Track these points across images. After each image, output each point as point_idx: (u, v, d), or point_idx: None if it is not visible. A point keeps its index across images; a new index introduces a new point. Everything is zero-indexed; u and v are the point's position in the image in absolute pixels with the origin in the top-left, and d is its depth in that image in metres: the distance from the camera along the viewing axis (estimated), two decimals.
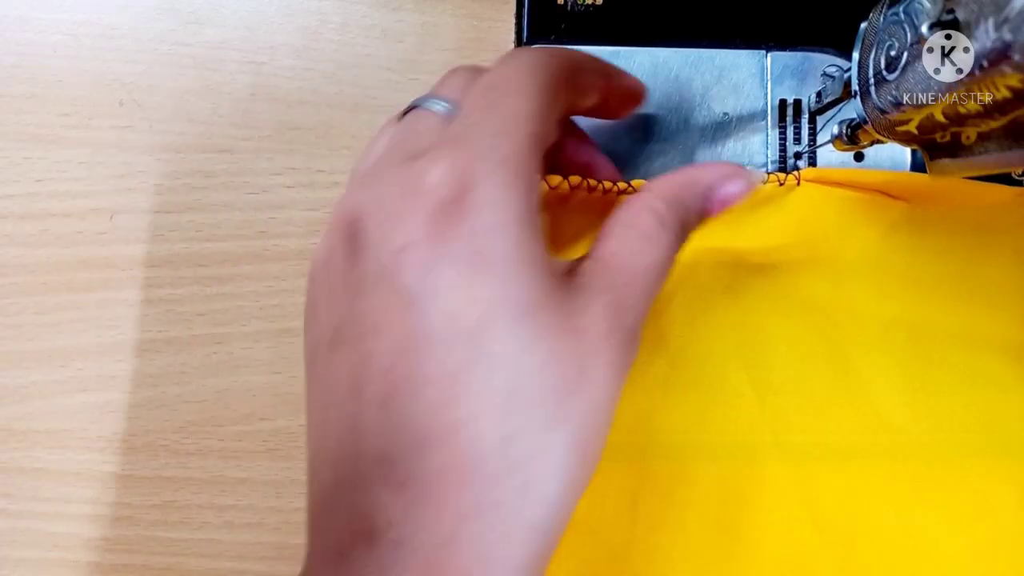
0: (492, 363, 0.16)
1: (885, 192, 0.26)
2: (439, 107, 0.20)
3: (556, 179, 0.24)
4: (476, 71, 0.22)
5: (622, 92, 0.24)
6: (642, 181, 0.24)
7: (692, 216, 0.21)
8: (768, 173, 0.26)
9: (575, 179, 0.24)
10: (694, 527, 0.25)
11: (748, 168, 0.22)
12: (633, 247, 0.19)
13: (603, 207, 0.25)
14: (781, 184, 0.26)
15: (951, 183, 0.25)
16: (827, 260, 0.26)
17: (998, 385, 0.26)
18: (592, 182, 0.24)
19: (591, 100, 0.23)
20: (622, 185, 0.24)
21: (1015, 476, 0.25)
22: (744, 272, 0.26)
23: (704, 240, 0.26)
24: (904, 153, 0.27)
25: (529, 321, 0.17)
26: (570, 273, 0.19)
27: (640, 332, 0.19)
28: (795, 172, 0.26)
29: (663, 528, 0.25)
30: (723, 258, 0.26)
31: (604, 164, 0.25)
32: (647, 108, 0.27)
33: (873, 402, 0.26)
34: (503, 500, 0.16)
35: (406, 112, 0.21)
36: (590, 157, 0.25)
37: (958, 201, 0.26)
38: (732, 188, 0.21)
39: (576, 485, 0.17)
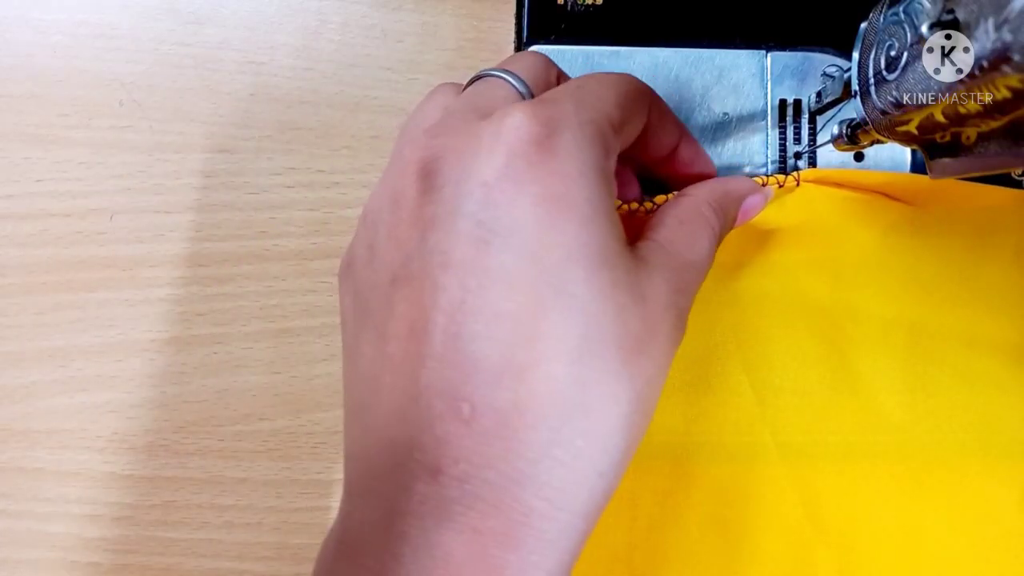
0: (571, 305, 0.16)
1: (884, 193, 0.26)
2: (515, 81, 0.20)
3: None
4: (549, 63, 0.22)
5: (689, 155, 0.25)
6: (664, 196, 0.24)
7: (728, 222, 0.22)
8: (767, 175, 0.26)
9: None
10: (694, 527, 0.25)
11: (764, 185, 0.24)
12: (687, 239, 0.20)
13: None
14: (780, 186, 0.26)
15: (950, 185, 0.26)
16: (827, 261, 0.26)
17: (997, 386, 0.26)
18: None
19: (662, 141, 0.23)
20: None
21: (1014, 476, 0.25)
22: (743, 272, 0.26)
23: None
24: (904, 153, 0.27)
25: (607, 272, 0.17)
26: (633, 247, 0.19)
27: (687, 320, 0.19)
28: (794, 173, 0.26)
29: (663, 528, 0.25)
30: (723, 258, 0.26)
31: (705, 159, 0.26)
32: None
33: (873, 402, 0.26)
34: (573, 443, 0.16)
35: (474, 80, 0.21)
36: (696, 152, 0.25)
37: (957, 203, 0.26)
38: (754, 201, 0.23)
39: (633, 445, 0.17)
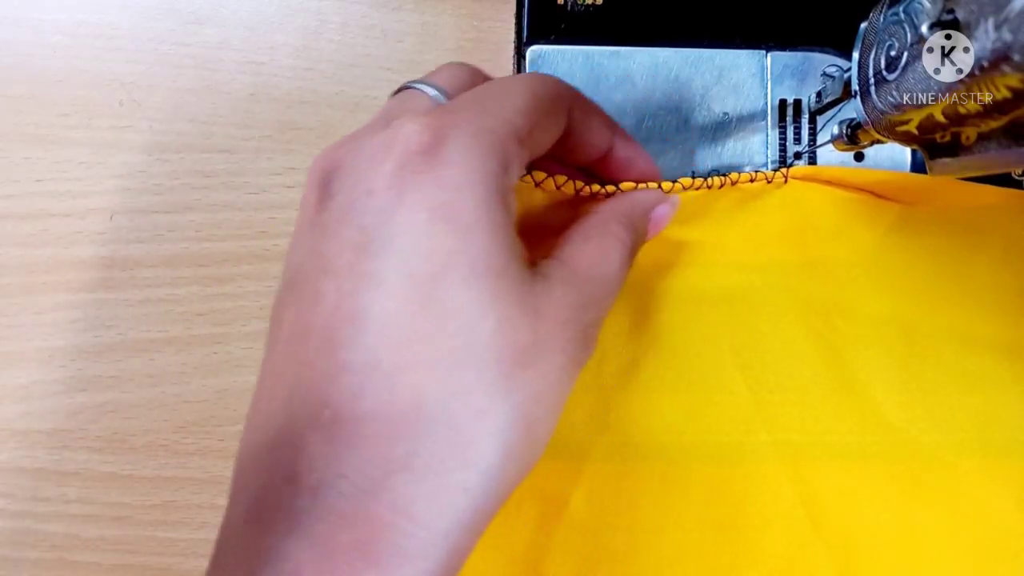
0: (443, 315, 0.16)
1: (877, 192, 0.26)
2: (431, 91, 0.20)
3: (541, 175, 0.24)
4: (474, 71, 0.22)
5: (625, 155, 0.24)
6: (631, 184, 0.24)
7: (639, 235, 0.22)
8: (755, 171, 0.26)
9: (560, 178, 0.24)
10: (692, 526, 0.25)
11: (671, 194, 0.24)
12: (592, 256, 0.20)
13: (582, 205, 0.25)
14: (769, 181, 0.26)
15: (943, 183, 0.26)
16: (820, 259, 0.26)
17: (993, 384, 0.26)
18: (579, 184, 0.24)
19: (590, 143, 0.23)
20: (610, 189, 0.24)
21: (1009, 474, 0.25)
22: (737, 271, 0.26)
23: (697, 239, 0.26)
24: (904, 153, 0.27)
25: (487, 283, 0.17)
26: (532, 263, 0.19)
27: (596, 337, 0.19)
28: (783, 169, 0.26)
29: (661, 528, 0.25)
30: (716, 258, 0.26)
31: (645, 159, 0.25)
32: (647, 108, 0.27)
33: (868, 400, 0.26)
34: (435, 455, 0.16)
35: (396, 92, 0.21)
36: (633, 152, 0.25)
37: (950, 201, 0.26)
38: (662, 211, 0.23)
39: (517, 462, 0.17)
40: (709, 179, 0.26)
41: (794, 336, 0.26)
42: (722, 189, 0.26)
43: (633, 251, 0.22)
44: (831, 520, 0.25)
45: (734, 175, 0.26)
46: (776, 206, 0.26)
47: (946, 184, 0.26)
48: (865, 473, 0.25)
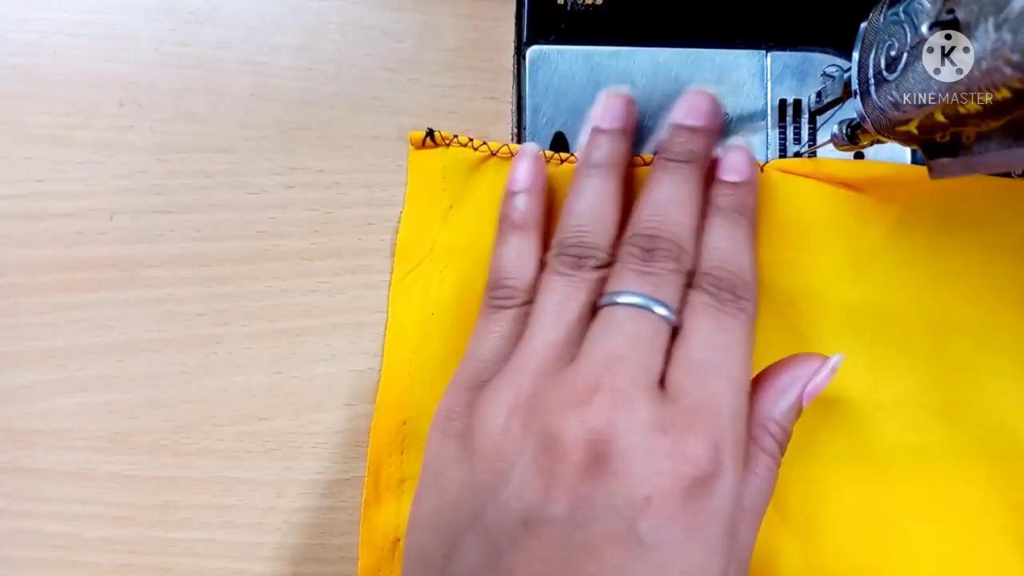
0: None
1: (850, 184, 0.26)
2: (665, 312, 0.22)
3: (496, 145, 0.26)
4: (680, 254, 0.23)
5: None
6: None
7: (789, 423, 0.23)
8: None
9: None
10: None
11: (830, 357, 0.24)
12: (742, 485, 0.21)
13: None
14: None
15: (913, 173, 0.26)
16: (793, 252, 0.26)
17: (964, 367, 0.26)
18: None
19: None
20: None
21: (979, 460, 0.26)
22: None
23: None
24: (904, 153, 0.27)
25: None
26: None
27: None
28: (758, 161, 0.26)
29: None
30: None
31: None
32: (647, 108, 0.27)
33: (840, 392, 0.26)
34: None
35: (605, 304, 0.23)
36: None
37: (921, 190, 0.26)
38: (819, 380, 0.23)
39: None
40: None
41: (767, 333, 0.26)
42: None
43: (780, 458, 0.23)
44: (796, 510, 0.26)
45: None
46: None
47: (918, 174, 0.26)
48: (830, 468, 0.26)
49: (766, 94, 0.27)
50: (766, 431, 0.22)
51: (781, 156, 0.27)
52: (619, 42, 0.27)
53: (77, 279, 0.27)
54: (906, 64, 0.19)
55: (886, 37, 0.20)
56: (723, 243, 0.23)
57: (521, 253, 0.24)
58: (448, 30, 0.28)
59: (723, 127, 0.26)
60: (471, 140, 0.26)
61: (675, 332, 0.22)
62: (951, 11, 0.17)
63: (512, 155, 0.26)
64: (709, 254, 0.23)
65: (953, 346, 0.26)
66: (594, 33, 0.27)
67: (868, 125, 0.22)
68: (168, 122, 0.27)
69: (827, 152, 0.26)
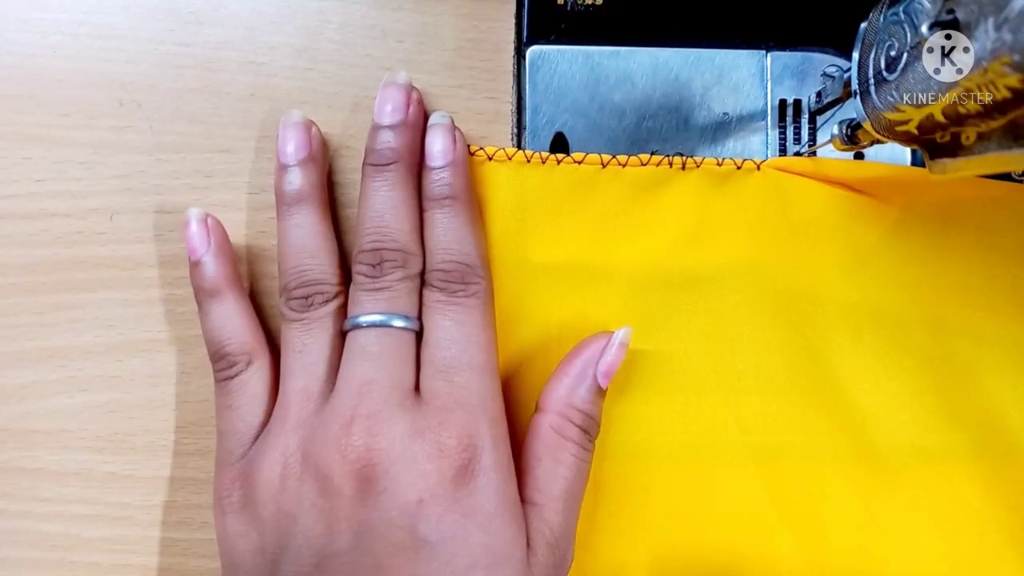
0: None
1: (848, 184, 0.26)
2: (404, 324, 0.23)
3: (492, 149, 0.26)
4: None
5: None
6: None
7: (590, 407, 0.24)
8: (726, 158, 0.26)
9: (511, 150, 0.26)
10: (665, 521, 0.26)
11: (614, 333, 0.24)
12: (549, 474, 0.23)
13: None
14: (738, 168, 0.26)
15: (913, 174, 0.26)
16: (793, 252, 0.26)
17: (965, 369, 0.26)
18: (528, 153, 0.26)
19: None
20: (559, 156, 0.26)
21: (978, 463, 0.26)
22: (709, 267, 0.26)
23: (668, 236, 0.26)
24: (904, 153, 0.27)
25: (501, 571, 0.21)
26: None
27: (573, 542, 0.23)
28: (755, 159, 0.26)
29: (635, 526, 0.26)
30: (690, 253, 0.26)
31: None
32: (647, 108, 0.27)
33: (839, 395, 0.26)
34: None
35: (352, 328, 0.23)
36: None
37: (920, 192, 0.26)
38: (610, 359, 0.24)
39: None
40: (670, 157, 0.26)
41: (767, 333, 0.26)
42: (687, 173, 0.26)
43: (589, 430, 0.24)
44: (798, 514, 0.26)
45: (698, 158, 0.26)
46: (747, 200, 0.26)
47: (917, 175, 0.26)
48: (831, 469, 0.26)
49: (766, 94, 0.27)
50: (568, 420, 0.23)
51: (781, 156, 0.27)
52: (619, 42, 0.27)
53: (77, 279, 0.27)
54: (906, 64, 0.19)
55: (886, 37, 0.20)
56: (443, 234, 0.24)
57: (224, 318, 0.25)
58: (448, 30, 0.28)
59: (425, 115, 0.26)
60: (467, 145, 0.26)
61: (421, 334, 0.23)
62: (951, 11, 0.17)
63: (509, 159, 0.26)
64: (433, 249, 0.24)
65: (953, 346, 0.26)
66: (594, 33, 0.27)
67: (868, 125, 0.22)
68: (168, 122, 0.27)
69: (827, 152, 0.26)
